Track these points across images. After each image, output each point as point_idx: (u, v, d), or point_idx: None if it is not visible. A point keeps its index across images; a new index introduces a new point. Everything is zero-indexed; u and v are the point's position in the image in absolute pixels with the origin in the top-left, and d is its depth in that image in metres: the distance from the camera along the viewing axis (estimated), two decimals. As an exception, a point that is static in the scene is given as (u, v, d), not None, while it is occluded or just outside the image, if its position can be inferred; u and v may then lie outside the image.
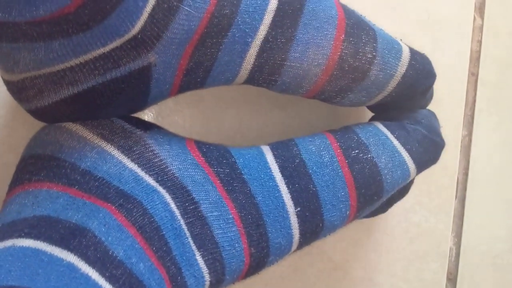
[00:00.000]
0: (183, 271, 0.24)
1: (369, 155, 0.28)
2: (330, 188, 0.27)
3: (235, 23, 0.25)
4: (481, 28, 0.40)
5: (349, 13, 0.29)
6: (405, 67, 0.29)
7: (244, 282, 0.36)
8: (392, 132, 0.30)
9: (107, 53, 0.23)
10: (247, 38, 0.26)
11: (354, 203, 0.28)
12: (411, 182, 0.32)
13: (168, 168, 0.26)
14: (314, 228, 0.28)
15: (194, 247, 0.25)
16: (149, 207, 0.24)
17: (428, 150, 0.30)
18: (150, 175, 0.25)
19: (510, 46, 0.41)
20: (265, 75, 0.28)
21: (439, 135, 0.32)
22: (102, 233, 0.22)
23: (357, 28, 0.28)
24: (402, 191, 0.32)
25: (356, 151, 0.28)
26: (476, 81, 0.40)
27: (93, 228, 0.22)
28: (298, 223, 0.27)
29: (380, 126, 0.30)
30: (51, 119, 0.26)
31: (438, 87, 0.39)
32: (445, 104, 0.39)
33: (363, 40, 0.28)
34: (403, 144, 0.29)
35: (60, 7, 0.20)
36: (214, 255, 0.25)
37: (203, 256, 0.25)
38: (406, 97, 0.31)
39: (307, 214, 0.27)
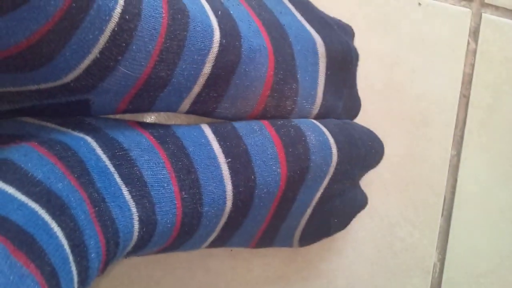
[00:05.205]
0: (106, 200, 0.25)
1: (293, 123, 0.31)
2: (259, 147, 0.29)
3: (171, 83, 0.27)
4: (474, 52, 0.41)
5: (278, 64, 0.31)
6: (317, 109, 0.33)
7: (229, 285, 0.37)
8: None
9: (42, 89, 0.24)
10: (182, 94, 0.28)
11: (283, 161, 0.30)
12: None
13: (100, 129, 0.27)
14: (246, 181, 0.29)
15: (120, 183, 0.25)
16: (73, 146, 0.25)
17: (343, 132, 0.33)
18: (78, 130, 0.26)
19: (502, 71, 0.42)
20: (199, 114, 0.30)
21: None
22: (22, 161, 0.23)
23: (283, 84, 0.31)
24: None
25: (282, 121, 0.31)
26: (467, 103, 0.41)
27: (13, 158, 0.23)
28: (230, 173, 0.28)
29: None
30: None
31: (430, 106, 0.40)
32: (436, 123, 0.40)
33: (286, 95, 0.31)
34: (322, 123, 0.32)
35: None
36: (142, 192, 0.26)
37: (130, 192, 0.25)
38: None
39: (238, 166, 0.29)
